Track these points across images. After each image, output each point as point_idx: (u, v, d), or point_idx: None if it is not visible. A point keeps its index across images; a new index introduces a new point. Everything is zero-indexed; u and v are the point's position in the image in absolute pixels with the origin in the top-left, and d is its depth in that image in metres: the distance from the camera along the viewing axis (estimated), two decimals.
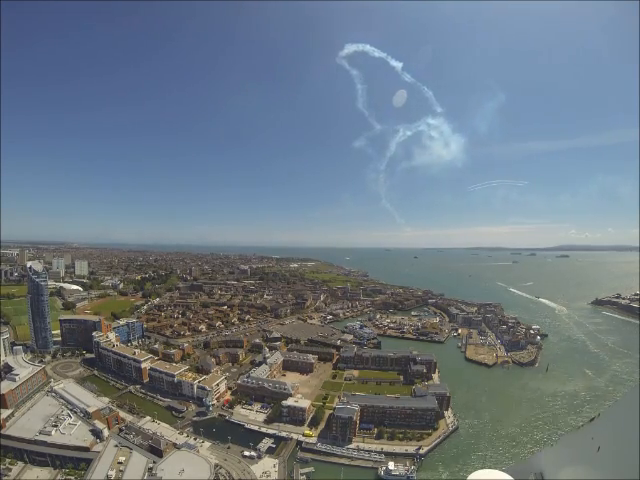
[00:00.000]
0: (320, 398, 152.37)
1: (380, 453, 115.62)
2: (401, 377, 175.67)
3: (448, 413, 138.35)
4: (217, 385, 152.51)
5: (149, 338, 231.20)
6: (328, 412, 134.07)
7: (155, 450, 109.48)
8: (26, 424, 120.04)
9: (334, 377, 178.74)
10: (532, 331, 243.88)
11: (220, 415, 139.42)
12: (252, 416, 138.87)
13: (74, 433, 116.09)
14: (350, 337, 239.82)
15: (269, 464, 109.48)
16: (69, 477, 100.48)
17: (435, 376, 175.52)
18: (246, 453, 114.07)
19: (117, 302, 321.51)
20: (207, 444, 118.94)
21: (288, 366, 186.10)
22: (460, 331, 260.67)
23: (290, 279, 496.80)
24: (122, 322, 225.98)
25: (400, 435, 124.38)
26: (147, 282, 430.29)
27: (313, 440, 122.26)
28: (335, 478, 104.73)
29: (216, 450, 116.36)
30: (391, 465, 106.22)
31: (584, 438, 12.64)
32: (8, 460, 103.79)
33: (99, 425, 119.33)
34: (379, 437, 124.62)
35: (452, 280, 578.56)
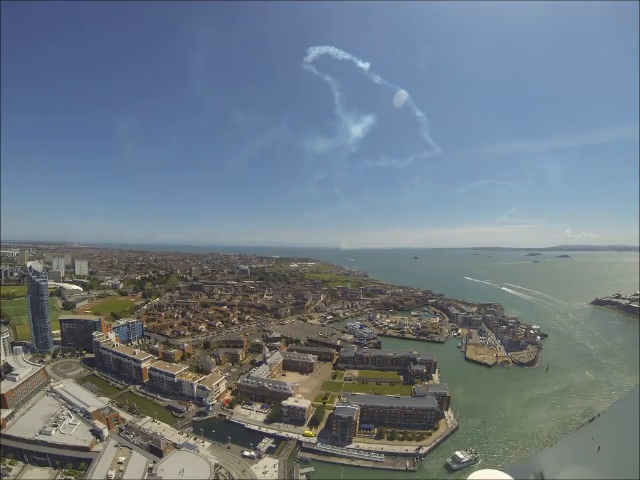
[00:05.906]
0: (320, 398, 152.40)
1: (380, 453, 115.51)
2: (401, 377, 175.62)
3: (448, 413, 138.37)
4: (217, 385, 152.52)
5: (149, 338, 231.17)
6: (328, 412, 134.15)
7: (155, 450, 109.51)
8: (26, 424, 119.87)
9: (334, 377, 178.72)
10: (532, 331, 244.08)
11: (220, 415, 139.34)
12: (252, 416, 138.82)
13: (74, 433, 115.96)
14: (350, 337, 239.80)
15: (269, 464, 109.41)
16: (69, 477, 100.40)
17: (435, 376, 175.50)
18: (246, 453, 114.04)
19: (117, 302, 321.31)
20: (207, 444, 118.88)
21: (288, 366, 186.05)
22: (460, 331, 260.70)
23: (290, 279, 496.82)
24: (122, 322, 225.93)
25: (400, 435, 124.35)
26: (147, 282, 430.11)
27: (313, 440, 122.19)
28: (335, 478, 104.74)
29: (216, 450, 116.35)
30: (459, 453, 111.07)
31: (584, 438, 12.66)
32: (8, 460, 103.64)
33: (99, 425, 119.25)
34: (379, 437, 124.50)
35: (452, 279, 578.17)
